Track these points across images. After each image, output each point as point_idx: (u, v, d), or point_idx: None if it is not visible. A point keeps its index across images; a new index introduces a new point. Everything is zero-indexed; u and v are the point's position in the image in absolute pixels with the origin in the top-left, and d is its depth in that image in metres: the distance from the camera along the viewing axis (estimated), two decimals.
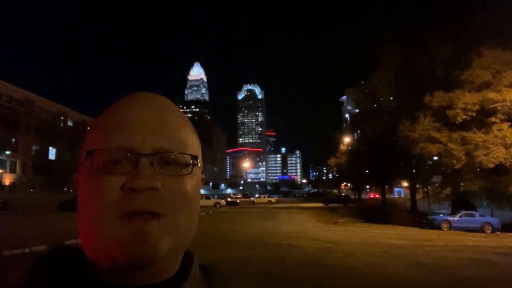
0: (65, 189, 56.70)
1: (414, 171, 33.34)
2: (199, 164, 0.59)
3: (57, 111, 65.46)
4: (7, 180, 53.33)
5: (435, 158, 27.62)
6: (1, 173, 51.20)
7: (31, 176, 57.73)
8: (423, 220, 24.88)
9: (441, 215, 25.73)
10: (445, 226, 22.90)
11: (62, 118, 66.56)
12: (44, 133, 60.72)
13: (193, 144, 0.60)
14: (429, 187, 36.84)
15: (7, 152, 52.18)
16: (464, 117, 23.60)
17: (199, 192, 0.60)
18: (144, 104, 0.58)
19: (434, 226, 23.10)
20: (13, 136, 54.57)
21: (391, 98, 34.27)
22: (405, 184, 52.75)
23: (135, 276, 0.54)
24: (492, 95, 23.08)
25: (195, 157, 0.58)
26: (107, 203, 0.51)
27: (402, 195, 71.34)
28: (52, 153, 64.06)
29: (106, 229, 0.51)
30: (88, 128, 0.61)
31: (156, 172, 0.53)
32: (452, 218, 23.55)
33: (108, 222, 0.51)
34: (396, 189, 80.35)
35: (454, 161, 23.45)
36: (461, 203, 27.39)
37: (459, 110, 23.51)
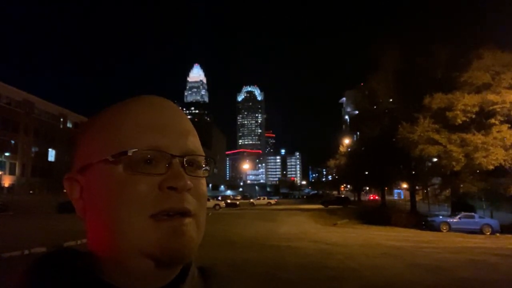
0: (64, 190, 56.58)
1: (413, 172, 33.36)
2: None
3: (56, 113, 65.42)
4: (6, 181, 53.23)
5: (435, 159, 27.65)
6: (0, 174, 51.07)
7: (30, 177, 57.64)
8: (422, 222, 24.89)
9: (441, 217, 25.72)
10: (444, 228, 22.90)
11: (61, 119, 66.52)
12: (43, 134, 60.63)
13: (202, 148, 0.63)
14: (428, 189, 36.84)
15: (6, 154, 52.09)
16: (463, 118, 23.62)
17: None
18: (166, 108, 0.60)
19: (434, 227, 23.09)
20: (13, 137, 54.50)
21: (390, 100, 34.33)
22: (404, 185, 52.73)
23: (140, 278, 0.55)
24: (491, 96, 23.10)
25: (212, 160, 0.62)
26: (143, 201, 0.53)
27: (402, 197, 71.26)
28: (51, 154, 63.98)
29: (141, 228, 0.53)
30: (96, 126, 0.60)
31: (187, 173, 0.56)
32: (451, 220, 23.55)
33: (143, 221, 0.53)
34: (396, 191, 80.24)
35: (454, 163, 23.46)
36: (460, 204, 27.39)
37: (458, 112, 23.53)
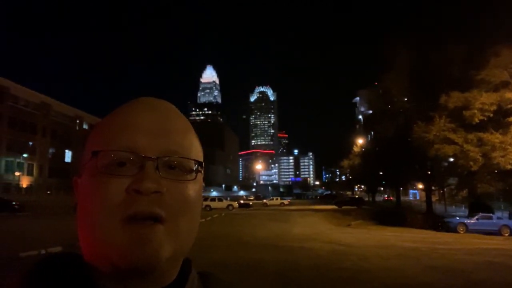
0: None
1: (429, 172, 32.90)
2: (202, 171, 0.59)
3: (72, 115, 66.73)
4: (25, 182, 54.49)
5: (451, 159, 27.20)
6: (19, 175, 52.31)
7: (48, 178, 58.89)
8: (439, 223, 24.54)
9: (458, 218, 25.35)
10: (461, 229, 22.52)
11: (77, 121, 67.83)
12: (60, 136, 61.92)
13: (196, 150, 0.60)
14: (445, 189, 36.25)
15: (24, 155, 53.33)
16: (481, 117, 23.20)
17: (201, 199, 0.60)
18: (149, 109, 0.58)
19: (450, 229, 22.76)
20: (30, 139, 55.75)
21: (405, 99, 33.92)
22: (420, 186, 52.02)
23: (133, 283, 0.53)
24: (510, 95, 22.67)
25: (200, 163, 0.58)
26: (111, 204, 0.50)
27: (418, 197, 70.36)
28: (68, 156, 65.29)
29: (108, 232, 0.50)
30: (93, 129, 0.60)
31: (161, 176, 0.52)
32: (468, 221, 23.15)
33: (110, 225, 0.50)
34: (411, 191, 79.31)
35: (471, 163, 23.06)
36: (478, 205, 26.88)
37: (476, 111, 23.11)
